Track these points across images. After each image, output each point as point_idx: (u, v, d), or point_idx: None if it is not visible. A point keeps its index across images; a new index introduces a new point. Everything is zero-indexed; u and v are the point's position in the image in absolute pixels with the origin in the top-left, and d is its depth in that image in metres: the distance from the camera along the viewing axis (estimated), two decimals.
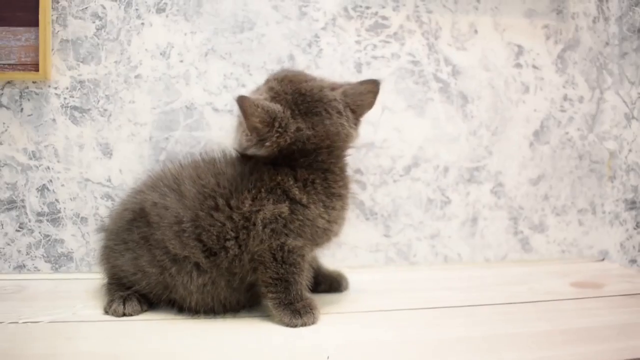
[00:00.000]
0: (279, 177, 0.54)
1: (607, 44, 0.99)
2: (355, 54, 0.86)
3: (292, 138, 0.53)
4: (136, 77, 0.77)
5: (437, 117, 0.90)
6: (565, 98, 0.97)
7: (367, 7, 0.86)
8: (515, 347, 0.50)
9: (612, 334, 0.55)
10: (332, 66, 0.84)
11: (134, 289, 0.56)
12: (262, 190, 0.53)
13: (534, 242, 0.94)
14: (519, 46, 0.94)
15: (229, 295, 0.55)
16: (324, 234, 0.56)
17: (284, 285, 0.53)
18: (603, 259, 0.96)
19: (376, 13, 0.87)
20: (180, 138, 0.78)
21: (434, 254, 0.90)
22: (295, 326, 0.53)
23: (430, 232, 0.90)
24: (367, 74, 0.86)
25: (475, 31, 0.92)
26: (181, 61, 0.78)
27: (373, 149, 0.87)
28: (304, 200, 0.53)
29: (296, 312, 0.53)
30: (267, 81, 0.59)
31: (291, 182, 0.54)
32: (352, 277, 0.73)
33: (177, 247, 0.53)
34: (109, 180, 0.77)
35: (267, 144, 0.53)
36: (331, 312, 0.60)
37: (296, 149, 0.54)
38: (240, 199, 0.53)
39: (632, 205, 0.95)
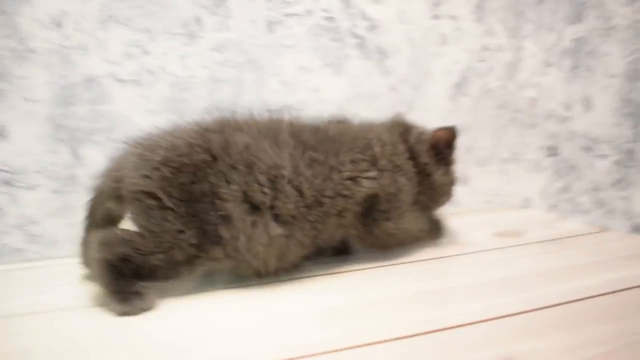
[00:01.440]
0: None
1: None
2: (266, 13, 1.03)
3: None
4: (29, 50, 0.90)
5: (356, 75, 1.10)
6: (484, 48, 1.19)
7: None
8: (440, 302, 0.61)
9: (533, 281, 0.67)
10: (242, 26, 1.01)
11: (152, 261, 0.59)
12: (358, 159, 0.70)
13: (458, 195, 1.18)
14: None
15: (296, 251, 0.66)
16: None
17: None
18: (526, 207, 1.23)
19: None
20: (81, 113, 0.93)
21: None
22: None
23: None
24: (279, 33, 1.04)
25: None
26: (77, 30, 0.93)
27: (291, 111, 1.06)
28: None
29: None
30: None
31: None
32: None
33: (268, 194, 0.62)
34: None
35: None
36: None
37: None
38: (339, 162, 0.68)
39: (551, 152, 1.21)
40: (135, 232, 0.61)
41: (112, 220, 0.67)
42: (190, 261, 0.61)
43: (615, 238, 0.91)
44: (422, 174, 0.77)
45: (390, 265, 0.78)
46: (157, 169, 0.60)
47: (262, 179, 0.62)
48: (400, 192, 0.72)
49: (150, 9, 0.92)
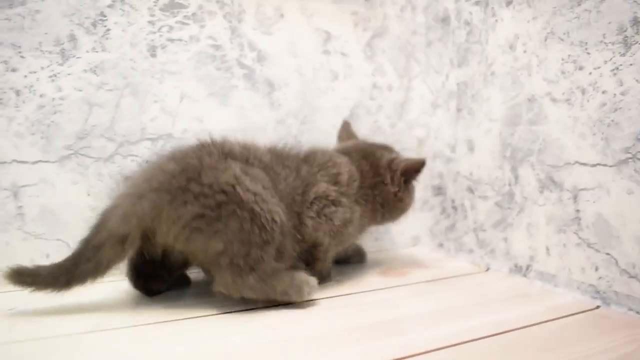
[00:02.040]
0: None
1: (414, 32, 1.35)
2: (148, 36, 1.08)
3: None
4: None
5: (242, 106, 1.16)
6: (374, 86, 1.31)
7: None
8: (310, 348, 0.64)
9: (414, 323, 0.73)
10: (121, 49, 1.05)
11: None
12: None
13: None
14: (327, 32, 1.25)
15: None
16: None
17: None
18: (415, 245, 1.33)
19: None
20: None
21: None
22: None
23: None
24: (162, 59, 1.09)
25: (282, 15, 1.20)
26: None
27: (171, 140, 1.10)
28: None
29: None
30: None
31: None
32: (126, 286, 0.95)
33: (283, 180, 0.85)
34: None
35: None
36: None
37: None
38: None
39: (438, 191, 1.33)
40: (220, 244, 0.73)
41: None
42: (267, 243, 0.76)
43: (496, 278, 1.02)
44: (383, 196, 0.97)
45: (257, 308, 0.82)
46: (187, 190, 0.73)
47: (280, 170, 0.87)
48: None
49: (19, 23, 0.94)
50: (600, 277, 0.83)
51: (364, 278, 1.00)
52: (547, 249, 0.92)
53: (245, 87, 1.08)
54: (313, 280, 0.78)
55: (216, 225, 0.71)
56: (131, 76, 0.98)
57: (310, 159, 0.90)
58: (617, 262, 0.81)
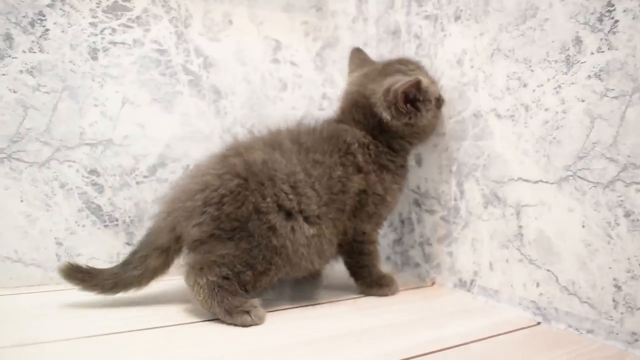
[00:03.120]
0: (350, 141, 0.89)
1: (365, 44, 1.35)
2: (89, 38, 1.04)
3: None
4: None
5: (187, 113, 1.14)
6: (324, 96, 1.29)
7: None
8: None
9: (358, 340, 0.75)
10: (61, 50, 1.01)
11: (240, 278, 0.77)
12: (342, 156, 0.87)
13: None
14: (277, 41, 1.24)
15: (328, 248, 0.86)
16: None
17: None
18: None
19: None
20: None
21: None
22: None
23: None
24: (104, 62, 1.05)
25: (230, 22, 1.18)
26: None
27: (111, 146, 1.07)
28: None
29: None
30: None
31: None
32: (89, 295, 0.91)
33: (293, 200, 0.79)
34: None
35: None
36: None
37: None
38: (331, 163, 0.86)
39: None
40: (221, 254, 0.76)
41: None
42: (266, 272, 0.78)
43: (441, 293, 1.01)
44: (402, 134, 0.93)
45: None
46: (204, 212, 0.76)
47: (285, 187, 0.79)
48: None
49: None
50: (541, 294, 0.84)
51: (309, 291, 0.99)
52: (491, 264, 0.93)
53: (190, 94, 1.06)
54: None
55: (226, 243, 0.77)
56: (70, 79, 0.95)
57: (331, 142, 0.89)
58: (557, 279, 0.81)
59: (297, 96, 1.18)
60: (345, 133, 0.88)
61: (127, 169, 1.01)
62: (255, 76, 1.13)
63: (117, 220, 1.01)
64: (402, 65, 0.94)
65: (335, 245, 0.87)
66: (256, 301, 0.77)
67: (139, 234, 1.03)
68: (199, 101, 1.07)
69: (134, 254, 0.81)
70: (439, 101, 0.94)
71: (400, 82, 0.86)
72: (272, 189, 0.78)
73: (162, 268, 0.82)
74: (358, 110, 0.91)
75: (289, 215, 0.79)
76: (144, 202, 1.03)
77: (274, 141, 0.83)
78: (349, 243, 0.90)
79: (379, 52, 1.24)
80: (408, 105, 0.88)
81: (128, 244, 1.02)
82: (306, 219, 0.81)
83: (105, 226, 1.00)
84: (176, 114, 1.05)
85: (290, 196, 0.79)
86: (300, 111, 1.18)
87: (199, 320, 0.79)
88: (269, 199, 0.77)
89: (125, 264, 0.80)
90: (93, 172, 0.98)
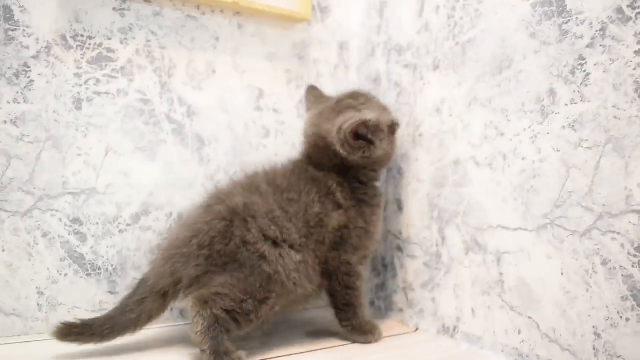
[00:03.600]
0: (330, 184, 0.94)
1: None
2: (74, 89, 1.05)
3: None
4: None
5: (170, 161, 1.14)
6: None
7: (90, 37, 1.07)
8: None
9: None
10: (45, 100, 1.02)
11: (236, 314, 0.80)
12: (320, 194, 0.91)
13: None
14: (260, 89, 1.26)
15: (314, 274, 0.90)
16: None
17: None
18: None
19: (100, 44, 1.07)
20: None
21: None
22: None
23: None
24: (88, 112, 1.06)
25: (214, 71, 1.20)
26: None
27: (95, 195, 1.07)
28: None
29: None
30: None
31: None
32: (72, 345, 0.91)
33: (276, 230, 0.84)
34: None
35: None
36: None
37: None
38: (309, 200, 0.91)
39: None
40: (221, 283, 0.81)
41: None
42: (266, 300, 0.82)
43: (425, 339, 1.01)
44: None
45: None
46: (200, 255, 0.82)
47: (265, 222, 0.85)
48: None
49: None
50: (522, 341, 0.85)
51: (290, 339, 0.98)
52: (473, 310, 0.93)
53: (174, 142, 1.07)
54: None
55: (221, 274, 0.82)
56: (54, 129, 0.96)
57: (312, 184, 0.95)
58: (538, 325, 0.82)
59: (279, 142, 1.19)
60: (325, 178, 0.94)
61: (110, 218, 1.01)
62: (239, 124, 1.14)
63: (99, 268, 1.00)
64: (352, 99, 0.99)
65: (319, 273, 0.91)
66: (243, 353, 0.80)
67: (122, 283, 1.02)
68: (183, 149, 1.08)
69: (129, 298, 0.84)
70: (393, 127, 0.99)
71: (348, 122, 0.91)
72: (255, 223, 0.84)
73: (157, 311, 0.85)
74: (321, 151, 0.97)
75: (275, 243, 0.84)
76: (127, 250, 1.02)
77: (251, 185, 0.90)
78: (335, 274, 0.93)
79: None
80: (360, 140, 0.94)
81: (111, 292, 1.01)
82: (291, 247, 0.86)
83: (88, 275, 0.99)
84: (160, 162, 1.05)
85: (273, 227, 0.85)
86: (283, 157, 1.18)
87: None
88: (254, 231, 0.83)
89: (121, 307, 0.83)
90: (76, 220, 0.98)
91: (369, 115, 0.92)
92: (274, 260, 0.83)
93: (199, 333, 0.76)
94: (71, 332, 0.79)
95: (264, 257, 0.82)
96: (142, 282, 0.85)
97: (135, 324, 0.82)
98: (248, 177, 0.94)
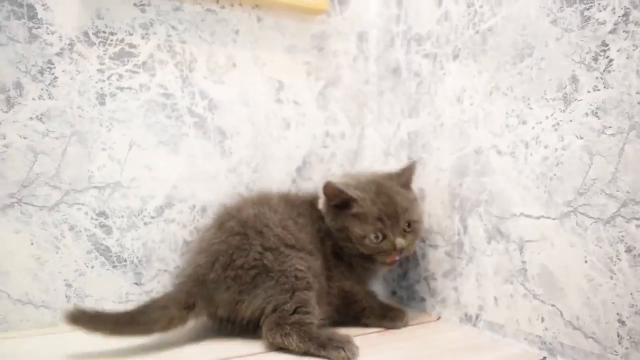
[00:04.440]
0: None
1: (367, 82, 1.38)
2: (97, 84, 1.07)
3: None
4: None
5: (193, 154, 1.16)
6: (327, 134, 1.32)
7: (112, 33, 1.08)
8: None
9: None
10: (69, 96, 1.04)
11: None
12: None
13: None
14: (280, 81, 1.26)
15: (322, 280, 0.91)
16: None
17: None
18: None
19: (122, 40, 1.09)
20: None
21: None
22: None
23: None
24: (111, 107, 1.08)
25: (234, 64, 1.21)
26: None
27: (119, 189, 1.08)
28: None
29: None
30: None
31: None
32: (99, 337, 0.93)
33: (291, 239, 0.88)
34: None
35: None
36: None
37: None
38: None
39: None
40: (267, 302, 0.85)
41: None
42: (308, 287, 0.86)
43: (447, 328, 1.02)
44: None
45: None
46: (227, 277, 0.86)
47: (280, 230, 0.88)
48: None
49: None
50: (546, 328, 0.84)
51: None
52: (496, 299, 0.93)
53: (196, 136, 1.08)
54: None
55: (254, 292, 0.85)
56: (78, 124, 0.97)
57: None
58: (562, 313, 0.82)
59: (300, 134, 1.20)
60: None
61: (135, 211, 1.03)
62: (259, 116, 1.15)
63: (125, 260, 1.02)
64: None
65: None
66: (348, 335, 0.82)
67: (147, 274, 1.04)
68: (205, 142, 1.09)
69: (154, 302, 0.84)
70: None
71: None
72: (270, 232, 0.87)
73: (179, 322, 0.84)
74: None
75: (296, 249, 0.87)
76: (152, 242, 1.04)
77: (262, 199, 0.95)
78: (336, 298, 0.95)
79: (380, 89, 1.27)
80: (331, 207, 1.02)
81: (136, 284, 1.03)
82: (310, 254, 0.89)
83: (114, 267, 1.01)
84: (182, 156, 1.06)
85: (288, 235, 0.88)
86: (304, 149, 1.19)
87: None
88: (272, 238, 0.87)
89: (143, 307, 0.83)
90: (101, 214, 0.99)
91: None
92: (297, 263, 0.86)
93: (297, 346, 0.79)
94: (81, 318, 0.78)
95: (288, 256, 0.86)
96: (168, 294, 0.86)
97: (154, 323, 0.81)
98: (259, 194, 1.00)
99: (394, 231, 0.94)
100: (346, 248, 0.95)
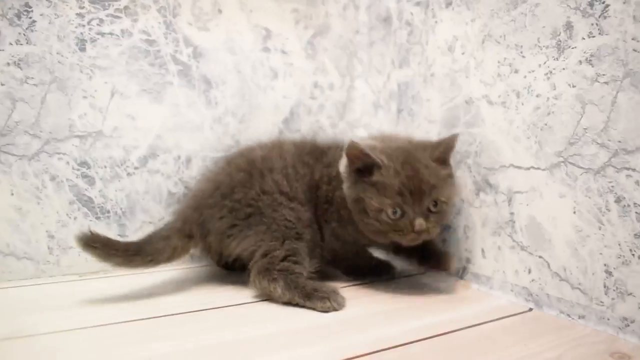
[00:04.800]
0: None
1: (357, 32, 1.34)
2: (77, 29, 1.02)
3: None
4: None
5: (177, 103, 1.12)
6: (315, 85, 1.28)
7: None
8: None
9: (345, 329, 0.79)
10: (48, 42, 1.00)
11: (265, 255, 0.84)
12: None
13: None
14: (267, 29, 1.22)
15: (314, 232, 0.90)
16: None
17: None
18: None
19: None
20: None
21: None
22: None
23: None
24: (92, 53, 1.04)
25: (219, 10, 1.17)
26: None
27: (101, 138, 1.05)
28: None
29: None
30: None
31: None
32: (83, 287, 0.92)
33: (287, 187, 0.89)
34: None
35: None
36: None
37: None
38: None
39: None
40: (257, 245, 0.86)
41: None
42: (300, 236, 0.87)
43: (435, 280, 1.01)
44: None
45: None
46: (224, 206, 0.88)
47: (280, 177, 0.90)
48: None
49: None
50: (532, 280, 0.84)
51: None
52: (483, 251, 0.92)
53: (180, 84, 1.05)
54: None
55: (246, 232, 0.87)
56: (58, 70, 0.94)
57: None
58: (549, 265, 0.81)
59: (288, 85, 1.17)
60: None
61: (118, 161, 1.00)
62: (246, 65, 1.11)
63: (108, 212, 1.00)
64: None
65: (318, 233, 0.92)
66: (334, 286, 0.82)
67: (131, 226, 1.02)
68: (189, 91, 1.06)
69: (156, 233, 0.87)
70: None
71: None
72: (270, 177, 0.89)
73: (182, 251, 0.87)
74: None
75: (288, 197, 0.88)
76: (136, 194, 1.02)
77: (275, 143, 0.97)
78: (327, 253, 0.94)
79: (370, 39, 1.23)
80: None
81: (120, 235, 1.01)
82: (301, 204, 0.89)
83: (97, 218, 0.99)
84: (166, 105, 1.04)
85: (285, 183, 0.89)
86: (292, 100, 1.17)
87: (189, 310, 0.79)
88: (270, 183, 0.88)
89: (148, 239, 0.86)
90: (83, 164, 0.97)
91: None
92: (289, 213, 0.87)
93: (282, 294, 0.80)
94: (95, 241, 0.80)
95: (281, 205, 0.87)
96: (169, 224, 0.90)
97: (159, 253, 0.84)
98: (276, 138, 1.04)
99: (414, 209, 0.81)
100: (362, 222, 0.85)
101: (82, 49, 0.96)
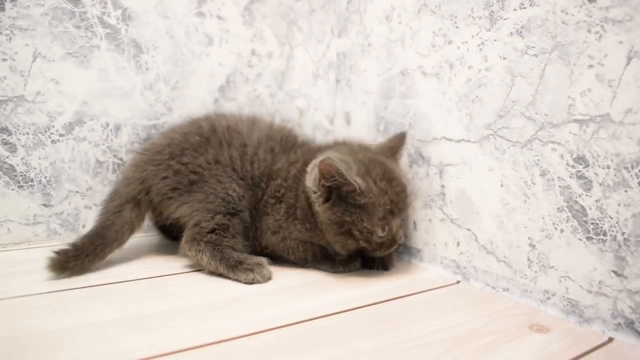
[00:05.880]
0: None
1: None
2: None
3: None
4: None
5: (105, 68, 1.06)
6: (253, 53, 1.24)
7: None
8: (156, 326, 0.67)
9: (266, 301, 0.77)
10: None
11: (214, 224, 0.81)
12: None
13: None
14: None
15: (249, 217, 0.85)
16: None
17: None
18: None
19: None
20: None
21: None
22: None
23: (102, 199, 1.07)
24: (11, 13, 0.96)
25: None
26: None
27: (23, 103, 0.99)
28: None
29: None
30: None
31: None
32: (6, 257, 0.87)
33: (239, 166, 0.85)
34: None
35: None
36: None
37: None
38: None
39: None
40: (191, 215, 0.83)
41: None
42: (237, 213, 0.83)
43: None
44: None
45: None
46: (169, 167, 0.85)
47: (236, 154, 0.86)
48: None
49: None
50: (461, 253, 0.83)
51: None
52: (415, 223, 0.91)
53: (108, 48, 0.99)
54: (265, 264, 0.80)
55: (186, 197, 0.84)
56: None
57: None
58: (476, 237, 0.80)
59: (224, 52, 1.12)
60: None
61: (41, 127, 0.95)
62: (179, 30, 1.06)
63: (32, 180, 0.95)
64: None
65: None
66: (262, 259, 0.80)
67: (57, 195, 0.97)
68: (118, 56, 1.00)
69: (105, 212, 0.84)
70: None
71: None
72: (228, 150, 0.85)
73: (138, 221, 0.85)
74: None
75: (238, 175, 0.85)
76: (61, 162, 0.97)
77: (251, 119, 0.92)
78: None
79: (310, 6, 1.20)
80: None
81: (45, 205, 0.96)
82: (247, 187, 0.86)
83: (20, 187, 0.94)
84: (93, 70, 0.98)
85: (238, 162, 0.85)
86: (228, 67, 1.12)
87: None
88: (226, 155, 0.85)
89: (102, 222, 0.83)
90: (4, 130, 0.91)
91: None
92: (234, 186, 0.85)
93: (208, 264, 0.78)
94: (68, 260, 0.76)
95: (230, 178, 0.85)
96: (114, 193, 0.86)
97: (120, 236, 0.83)
98: (256, 114, 0.99)
99: (396, 222, 0.78)
100: (339, 242, 0.80)
101: (1, 9, 0.90)
